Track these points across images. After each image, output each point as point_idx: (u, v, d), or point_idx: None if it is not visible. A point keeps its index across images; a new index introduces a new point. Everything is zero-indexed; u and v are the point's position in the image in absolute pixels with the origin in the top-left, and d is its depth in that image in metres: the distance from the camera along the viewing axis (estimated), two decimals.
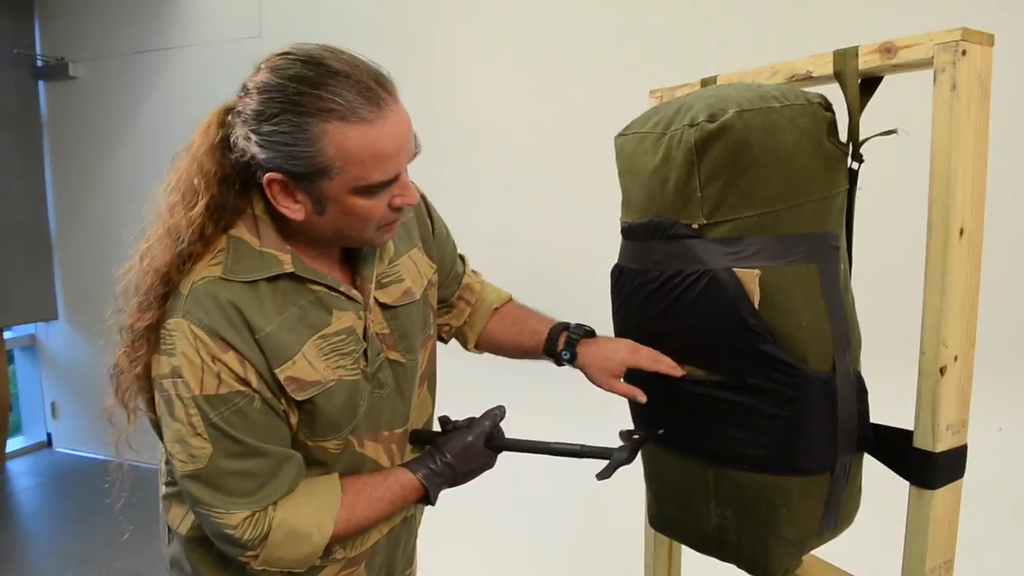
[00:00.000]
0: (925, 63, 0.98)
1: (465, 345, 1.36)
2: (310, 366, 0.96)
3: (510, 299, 1.36)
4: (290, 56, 0.89)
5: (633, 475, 1.30)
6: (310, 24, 3.12)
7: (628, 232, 1.16)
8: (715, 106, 0.99)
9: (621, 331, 1.23)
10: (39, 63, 3.94)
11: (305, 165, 0.88)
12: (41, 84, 4.00)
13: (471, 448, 1.08)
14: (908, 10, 2.03)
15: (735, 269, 1.00)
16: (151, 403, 0.97)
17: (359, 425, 1.05)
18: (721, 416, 1.09)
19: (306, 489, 1.00)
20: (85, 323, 4.12)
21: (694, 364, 1.11)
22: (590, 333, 1.22)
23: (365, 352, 1.03)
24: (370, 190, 0.91)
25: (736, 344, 1.02)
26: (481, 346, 1.35)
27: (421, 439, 1.16)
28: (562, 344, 1.20)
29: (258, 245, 0.95)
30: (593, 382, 1.17)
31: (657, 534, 1.49)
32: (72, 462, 4.15)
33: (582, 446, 1.09)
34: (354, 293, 1.03)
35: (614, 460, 1.07)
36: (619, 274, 1.19)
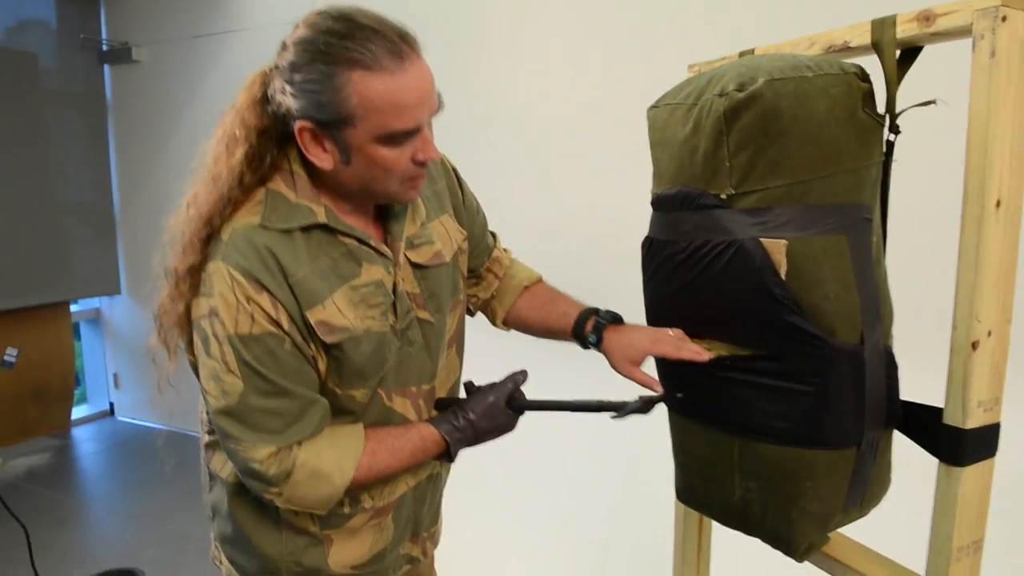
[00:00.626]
0: (964, 30, 0.96)
1: (493, 321, 1.38)
2: (339, 313, 1.01)
3: (540, 279, 1.38)
4: (323, 13, 0.96)
5: (667, 451, 1.31)
6: (367, 3, 3.16)
7: (657, 203, 1.17)
8: (745, 75, 0.99)
9: (651, 303, 1.24)
10: (104, 47, 4.10)
11: (331, 112, 0.93)
12: (106, 68, 4.16)
13: (492, 407, 1.11)
14: None
15: (762, 239, 0.99)
16: (191, 344, 1.02)
17: (388, 379, 1.09)
18: (747, 388, 1.09)
19: (330, 434, 1.05)
20: (146, 298, 4.25)
21: (721, 336, 1.11)
22: (618, 319, 1.23)
23: (394, 306, 1.08)
24: (391, 139, 0.95)
25: (763, 315, 1.02)
26: (509, 323, 1.37)
27: (446, 405, 1.19)
28: (590, 328, 1.22)
29: (294, 198, 1.00)
30: (614, 367, 1.19)
31: (688, 510, 1.49)
32: (132, 430, 4.34)
33: (600, 401, 1.11)
34: (384, 248, 1.07)
35: (629, 407, 1.09)
36: (649, 246, 1.19)
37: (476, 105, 2.94)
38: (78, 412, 4.45)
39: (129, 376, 4.46)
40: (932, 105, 1.05)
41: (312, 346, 1.01)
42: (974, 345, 0.97)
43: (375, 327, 1.05)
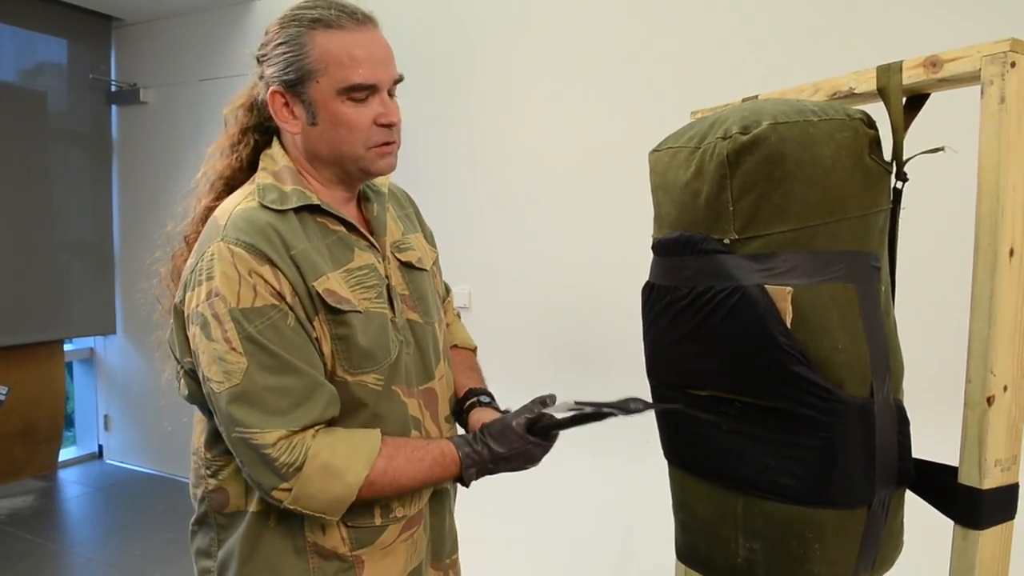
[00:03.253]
0: (972, 76, 0.94)
1: None
2: (341, 286, 1.04)
3: (472, 349, 1.40)
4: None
5: (669, 508, 1.26)
6: None
7: (659, 248, 1.14)
8: (749, 118, 0.97)
9: (651, 351, 1.19)
10: (113, 88, 4.15)
11: (296, 68, 1.02)
12: (113, 108, 4.20)
13: (509, 431, 1.07)
14: (954, 29, 1.97)
15: (767, 286, 0.96)
16: (186, 352, 1.03)
17: (398, 375, 1.09)
18: (751, 442, 1.04)
19: (347, 432, 1.02)
20: (141, 339, 4.25)
21: (725, 386, 1.07)
22: (494, 407, 1.24)
23: (390, 299, 1.11)
24: (351, 92, 1.02)
25: (767, 365, 0.98)
26: None
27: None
28: (463, 408, 1.24)
29: (285, 186, 1.06)
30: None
31: (688, 571, 1.42)
32: (120, 474, 4.24)
33: (611, 405, 1.08)
34: (372, 239, 1.12)
35: (637, 405, 1.07)
36: (649, 291, 1.16)
37: (477, 150, 2.95)
38: (66, 453, 4.36)
39: (120, 418, 4.39)
40: (940, 152, 1.02)
41: (316, 324, 1.01)
42: (989, 400, 0.93)
43: (373, 307, 1.07)
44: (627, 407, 1.06)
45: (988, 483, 0.93)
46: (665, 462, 1.26)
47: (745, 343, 0.99)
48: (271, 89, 1.05)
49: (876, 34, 2.13)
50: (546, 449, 1.10)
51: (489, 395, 1.26)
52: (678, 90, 2.48)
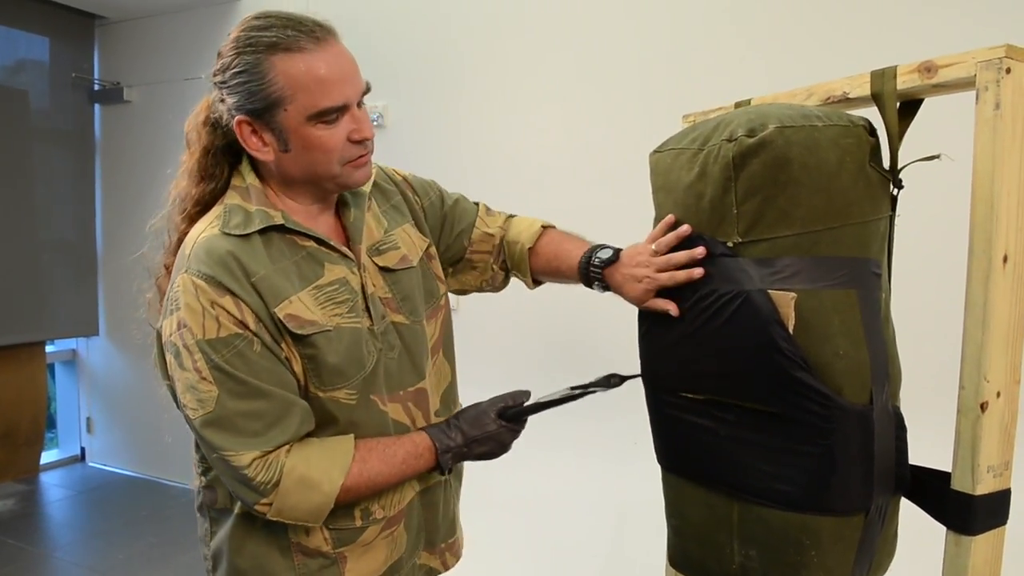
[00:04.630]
0: (967, 82, 0.94)
1: (528, 285, 1.39)
2: (307, 308, 1.03)
3: (541, 233, 1.35)
4: (246, 18, 1.04)
5: (661, 513, 1.25)
6: (354, 53, 3.16)
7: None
8: (755, 121, 0.97)
9: (648, 354, 1.19)
10: (96, 87, 4.09)
11: (261, 99, 0.99)
12: (97, 107, 4.15)
13: (481, 415, 1.13)
14: (950, 35, 1.98)
15: (770, 291, 0.96)
16: (165, 372, 1.06)
17: (378, 384, 1.10)
18: (748, 447, 1.04)
19: (319, 443, 1.05)
20: (124, 340, 4.20)
21: (723, 391, 1.06)
22: (610, 260, 1.19)
23: (368, 309, 1.10)
24: (321, 116, 1.00)
25: (768, 370, 0.97)
26: (539, 282, 1.38)
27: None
28: (592, 277, 1.22)
29: (250, 207, 1.05)
30: (633, 303, 1.16)
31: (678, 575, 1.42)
32: (103, 477, 4.19)
33: (583, 387, 1.13)
34: (344, 249, 1.10)
35: (611, 381, 1.12)
36: None
37: (465, 150, 2.94)
38: (48, 456, 4.29)
39: (103, 421, 4.33)
40: (936, 159, 1.03)
41: (284, 346, 1.02)
42: (983, 406, 0.93)
43: (345, 323, 1.06)
44: (608, 383, 1.11)
45: (981, 489, 0.94)
46: (654, 466, 1.25)
47: (746, 347, 0.99)
48: (237, 119, 1.02)
49: (870, 38, 2.14)
50: (516, 433, 1.15)
51: (604, 246, 1.23)
52: (668, 92, 2.48)
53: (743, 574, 1.08)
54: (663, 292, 1.10)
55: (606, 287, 1.20)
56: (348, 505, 1.08)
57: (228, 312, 0.98)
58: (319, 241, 1.08)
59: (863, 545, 1.01)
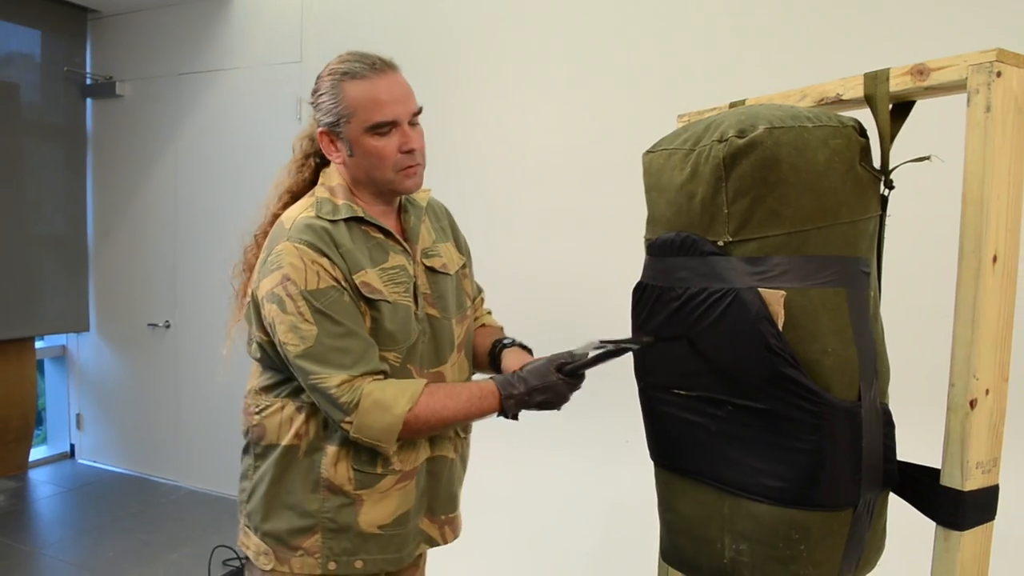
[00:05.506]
0: (958, 85, 0.96)
1: None
2: (376, 280, 1.29)
3: (500, 327, 1.62)
4: (338, 56, 1.34)
5: (653, 509, 1.26)
6: (349, 49, 3.17)
7: (652, 248, 1.14)
8: (745, 122, 0.98)
9: (641, 351, 1.20)
10: (88, 81, 4.07)
11: (334, 114, 1.28)
12: (89, 101, 4.13)
13: (543, 368, 1.26)
14: (942, 38, 2.00)
15: (760, 289, 0.97)
16: (258, 326, 1.30)
17: (414, 356, 1.32)
18: (739, 443, 1.05)
19: (397, 380, 1.27)
20: (115, 336, 4.18)
21: (714, 388, 1.08)
22: (519, 345, 1.47)
23: (415, 295, 1.34)
24: (376, 129, 1.27)
25: (758, 367, 0.99)
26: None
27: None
28: (496, 349, 1.48)
29: (338, 201, 1.31)
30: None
31: (672, 572, 1.43)
32: (93, 474, 4.17)
33: (616, 343, 1.19)
34: (405, 244, 1.36)
35: (645, 340, 1.15)
36: (642, 291, 1.17)
37: (459, 150, 2.94)
38: (37, 453, 4.27)
39: (92, 417, 4.31)
40: (927, 161, 1.04)
41: (360, 305, 1.26)
42: (972, 404, 0.95)
43: (401, 300, 1.31)
44: (640, 341, 1.16)
45: (970, 485, 0.95)
46: (646, 464, 1.26)
47: (737, 345, 1.00)
48: (319, 130, 1.32)
49: (864, 40, 2.16)
50: (574, 387, 1.27)
51: (514, 340, 1.49)
52: (663, 93, 2.50)
53: (733, 568, 1.09)
54: (652, 289, 1.14)
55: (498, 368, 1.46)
56: (411, 440, 1.30)
57: (326, 269, 1.23)
58: (387, 234, 1.33)
59: (852, 540, 1.02)
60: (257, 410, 1.35)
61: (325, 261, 1.23)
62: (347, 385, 1.21)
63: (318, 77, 1.33)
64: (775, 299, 0.96)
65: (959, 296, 0.96)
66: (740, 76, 2.33)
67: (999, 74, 0.91)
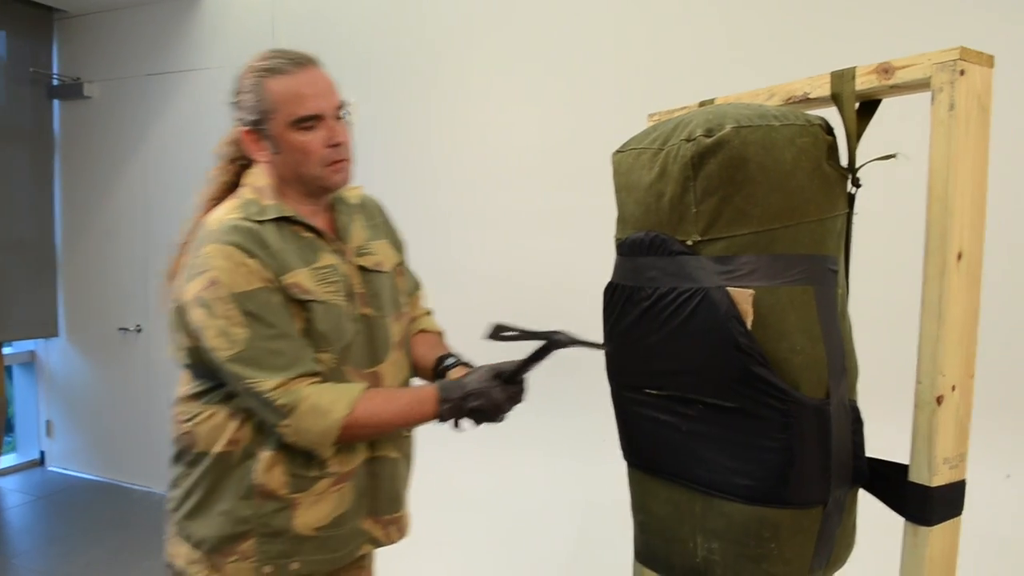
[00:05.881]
0: (923, 84, 0.97)
1: None
2: (307, 281, 1.25)
3: (439, 332, 1.59)
4: (256, 54, 1.31)
5: (628, 508, 1.26)
6: (321, 48, 3.14)
7: (623, 248, 1.14)
8: (713, 121, 0.98)
9: (613, 351, 1.20)
10: (55, 82, 4.00)
11: (256, 111, 1.26)
12: (56, 103, 4.05)
13: (481, 373, 1.26)
14: (909, 36, 2.02)
15: (728, 288, 0.97)
16: (182, 333, 1.26)
17: (350, 357, 1.30)
18: (710, 443, 1.05)
19: (334, 384, 1.25)
20: (85, 342, 4.11)
21: (685, 387, 1.07)
22: (464, 363, 1.42)
23: (351, 293, 1.31)
24: (300, 123, 1.24)
25: (727, 366, 0.99)
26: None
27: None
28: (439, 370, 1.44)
29: (264, 201, 1.28)
30: None
31: (646, 572, 1.43)
32: (63, 481, 4.09)
33: (541, 335, 1.18)
34: (336, 244, 1.33)
35: (570, 338, 1.14)
36: (612, 292, 1.16)
37: (434, 151, 2.93)
38: (6, 461, 4.20)
39: (62, 424, 4.23)
40: (893, 159, 1.05)
41: (292, 306, 1.23)
42: (939, 400, 0.96)
43: (334, 299, 1.28)
44: (555, 338, 1.15)
45: (937, 480, 0.96)
46: (620, 462, 1.26)
47: (706, 344, 1.00)
48: (243, 130, 1.29)
49: (832, 39, 2.18)
50: (514, 397, 1.25)
51: (457, 356, 1.45)
52: (636, 92, 2.50)
53: (706, 567, 1.09)
54: (623, 289, 1.14)
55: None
56: (352, 438, 1.26)
57: (254, 271, 1.20)
58: (317, 233, 1.31)
59: (822, 537, 1.03)
60: (187, 418, 1.31)
61: (254, 262, 1.20)
62: (283, 388, 1.19)
63: (238, 77, 1.30)
64: (744, 298, 0.96)
65: (925, 293, 0.97)
66: (712, 75, 2.34)
67: (962, 72, 0.92)
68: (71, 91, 3.95)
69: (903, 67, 0.99)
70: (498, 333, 1.21)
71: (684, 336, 1.03)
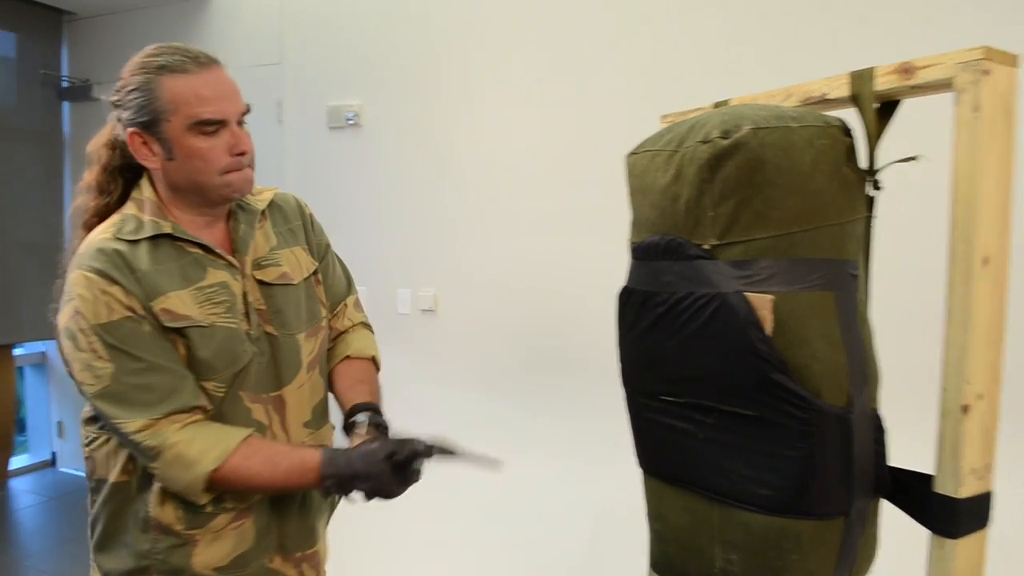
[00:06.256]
0: (945, 84, 0.94)
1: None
2: (183, 303, 1.15)
3: (368, 358, 1.44)
4: (146, 48, 1.18)
5: (641, 515, 1.24)
6: (329, 51, 3.14)
7: (637, 252, 1.12)
8: (729, 123, 0.95)
9: (627, 358, 1.18)
10: (64, 84, 4.01)
11: (150, 111, 1.14)
12: (65, 105, 4.06)
13: (373, 453, 1.15)
14: (929, 37, 1.99)
15: (747, 293, 0.95)
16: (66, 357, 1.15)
17: (247, 383, 1.21)
18: (728, 451, 1.03)
19: (214, 428, 1.15)
20: None
21: (702, 394, 1.05)
22: (372, 422, 1.29)
23: (247, 314, 1.22)
24: (201, 127, 1.14)
25: (746, 373, 0.96)
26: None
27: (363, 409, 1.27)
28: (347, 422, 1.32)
29: (144, 217, 1.18)
30: None
31: None
32: (75, 482, 4.11)
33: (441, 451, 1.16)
34: (229, 258, 1.23)
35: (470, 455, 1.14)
36: (627, 297, 1.14)
37: (442, 152, 2.91)
38: (17, 462, 4.21)
39: (74, 424, 4.24)
40: (914, 161, 1.02)
41: (171, 335, 1.14)
42: (964, 409, 0.93)
43: (221, 322, 1.18)
44: (479, 459, 1.14)
45: (964, 492, 0.93)
46: (632, 469, 1.24)
47: (724, 350, 0.98)
48: (129, 131, 1.16)
49: (848, 40, 2.15)
50: (405, 482, 1.17)
51: (372, 408, 1.32)
52: (646, 93, 2.48)
53: None
54: (637, 294, 1.11)
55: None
56: (222, 491, 1.17)
57: (117, 299, 1.10)
58: (205, 248, 1.21)
59: (844, 548, 1.00)
60: (87, 441, 1.25)
61: (116, 290, 1.10)
62: (150, 430, 1.10)
63: (123, 72, 1.17)
64: (762, 303, 0.94)
65: (950, 299, 0.94)
66: (725, 75, 2.32)
67: (986, 72, 0.89)
68: (80, 93, 3.96)
69: (925, 67, 0.96)
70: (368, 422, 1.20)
71: (701, 342, 1.00)
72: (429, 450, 1.15)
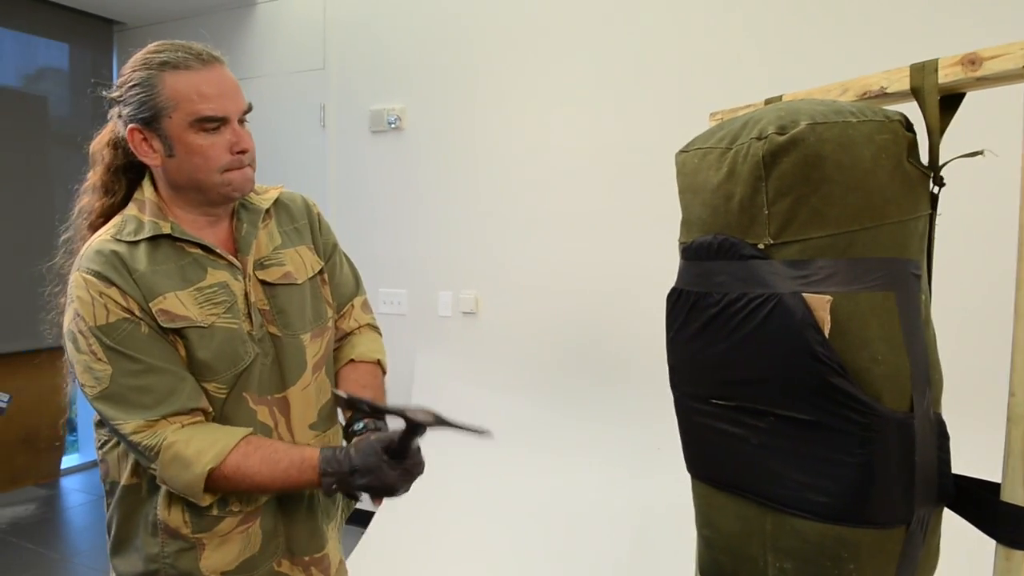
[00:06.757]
0: (1014, 75, 0.90)
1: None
2: (182, 305, 1.14)
3: (373, 362, 1.40)
4: (148, 45, 1.18)
5: (685, 521, 1.21)
6: (371, 56, 3.17)
7: (688, 252, 1.10)
8: (785, 118, 0.93)
9: (677, 360, 1.15)
10: None
11: (151, 107, 1.12)
12: None
13: (370, 447, 1.13)
14: (993, 30, 1.93)
15: (804, 294, 0.92)
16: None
17: (251, 384, 1.19)
18: (783, 457, 1.00)
19: (212, 428, 1.14)
20: None
21: (755, 398, 1.02)
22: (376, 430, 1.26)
23: (249, 315, 1.21)
24: (202, 124, 1.13)
25: (803, 377, 0.93)
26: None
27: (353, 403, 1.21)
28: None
29: (144, 218, 1.17)
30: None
31: None
32: None
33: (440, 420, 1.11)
34: (231, 258, 1.22)
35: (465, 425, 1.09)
36: (677, 298, 1.12)
37: (481, 153, 2.91)
38: (68, 461, 4.32)
39: None
40: (979, 156, 0.98)
41: (170, 335, 1.14)
42: None
43: (221, 323, 1.17)
44: (411, 417, 1.09)
45: None
46: (677, 473, 1.22)
47: (780, 353, 0.95)
48: (130, 127, 1.15)
49: (908, 30, 2.09)
50: (407, 474, 1.14)
51: (366, 424, 1.28)
52: (687, 91, 2.44)
53: None
54: (688, 295, 1.08)
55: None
56: (223, 491, 1.15)
57: (115, 301, 1.10)
58: (206, 249, 1.19)
59: (904, 559, 0.97)
60: (99, 444, 1.25)
61: (114, 291, 1.10)
62: (148, 431, 1.10)
63: (124, 69, 1.17)
64: (820, 304, 0.91)
65: (1018, 301, 0.90)
66: (769, 72, 2.27)
67: None
68: None
69: (992, 57, 0.92)
70: (348, 405, 1.16)
71: (755, 344, 0.98)
72: (418, 428, 1.10)
